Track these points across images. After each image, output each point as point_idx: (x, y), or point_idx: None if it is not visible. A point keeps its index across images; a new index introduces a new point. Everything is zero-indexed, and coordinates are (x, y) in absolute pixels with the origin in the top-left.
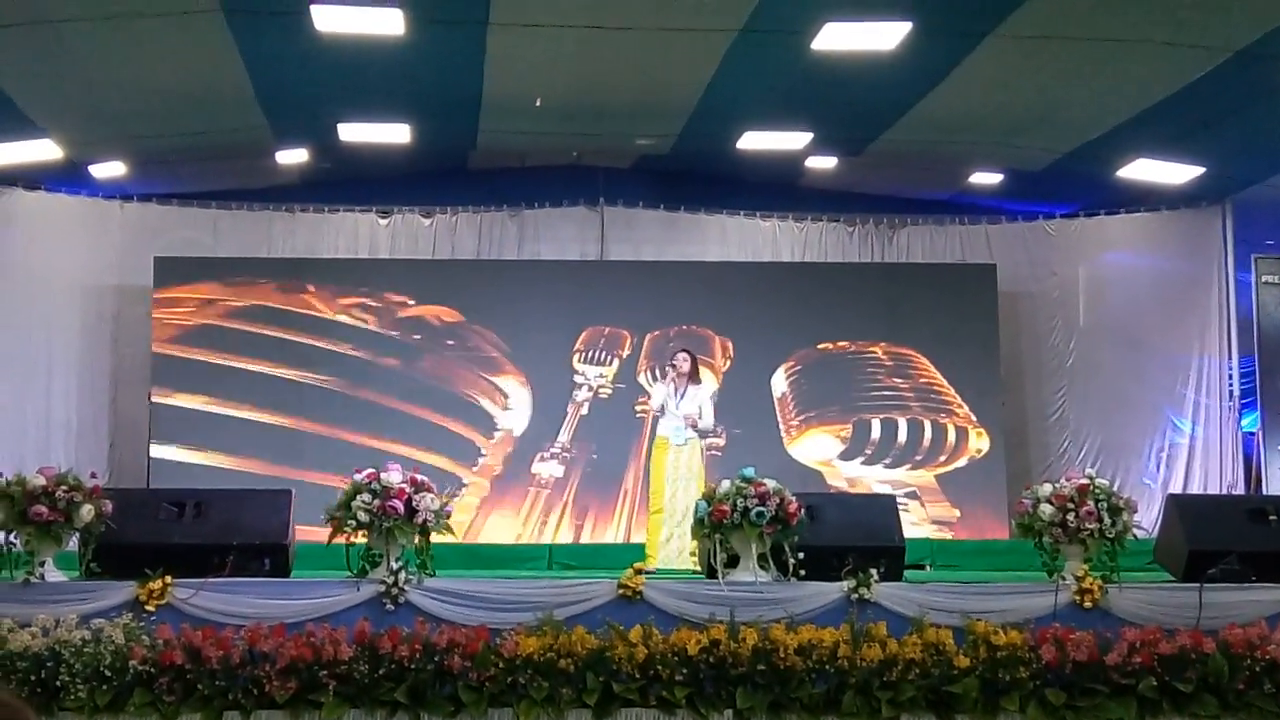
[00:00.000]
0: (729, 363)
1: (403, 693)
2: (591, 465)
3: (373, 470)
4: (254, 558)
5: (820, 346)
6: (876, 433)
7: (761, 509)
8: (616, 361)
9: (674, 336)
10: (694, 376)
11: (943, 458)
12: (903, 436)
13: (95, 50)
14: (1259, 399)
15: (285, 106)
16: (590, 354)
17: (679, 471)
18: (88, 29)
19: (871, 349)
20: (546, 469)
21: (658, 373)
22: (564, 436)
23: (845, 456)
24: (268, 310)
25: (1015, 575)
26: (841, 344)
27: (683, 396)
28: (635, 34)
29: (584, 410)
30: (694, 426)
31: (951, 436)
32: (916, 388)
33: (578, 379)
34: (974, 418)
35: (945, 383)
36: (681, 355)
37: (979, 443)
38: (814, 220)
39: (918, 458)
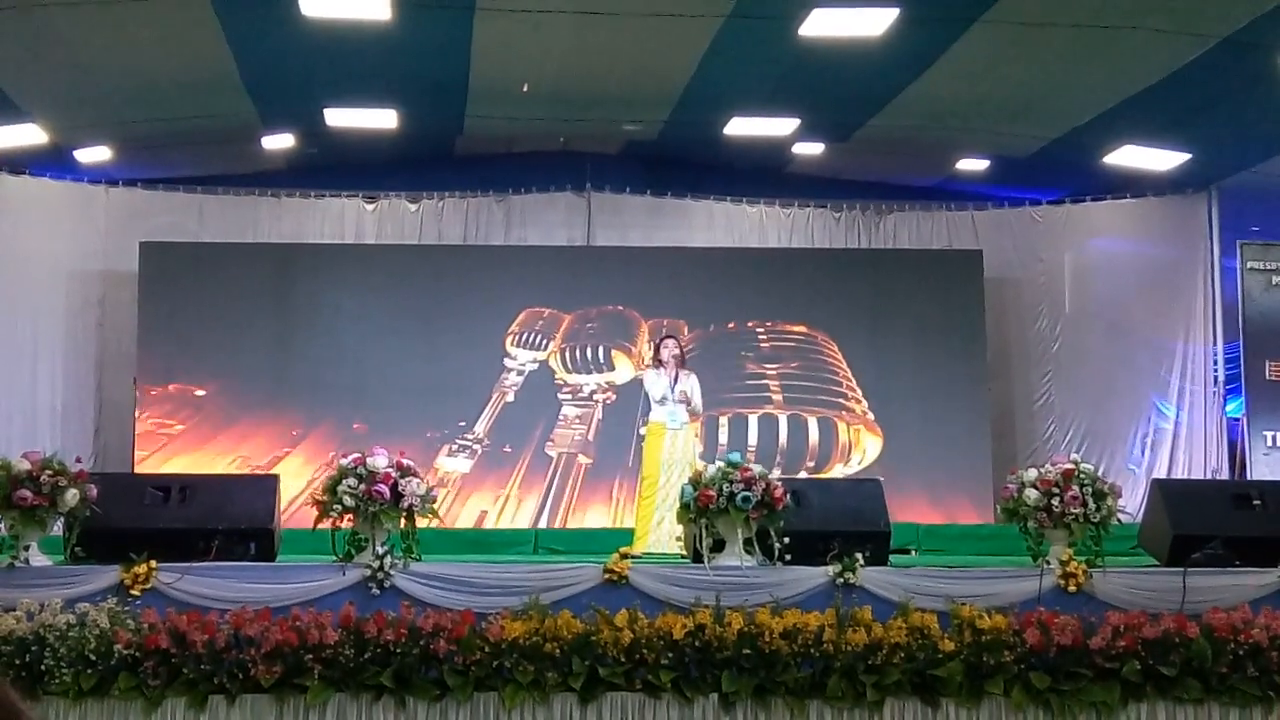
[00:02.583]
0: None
1: (388, 677)
2: (502, 457)
3: (358, 455)
4: (239, 542)
5: (712, 329)
6: (724, 434)
7: (747, 494)
8: (551, 345)
9: (595, 318)
10: (682, 361)
11: (811, 462)
12: (753, 437)
13: (80, 34)
14: (1243, 385)
15: (271, 91)
16: (525, 337)
17: (674, 456)
18: (73, 13)
19: (759, 330)
20: (451, 464)
21: (573, 357)
22: (480, 427)
23: (704, 458)
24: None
25: (1000, 560)
26: (731, 325)
27: (676, 381)
28: (622, 19)
29: (509, 397)
30: (687, 409)
31: (814, 436)
32: (789, 374)
33: (508, 362)
34: (871, 415)
35: (849, 373)
36: (670, 340)
37: (867, 442)
38: (800, 206)
39: (780, 460)
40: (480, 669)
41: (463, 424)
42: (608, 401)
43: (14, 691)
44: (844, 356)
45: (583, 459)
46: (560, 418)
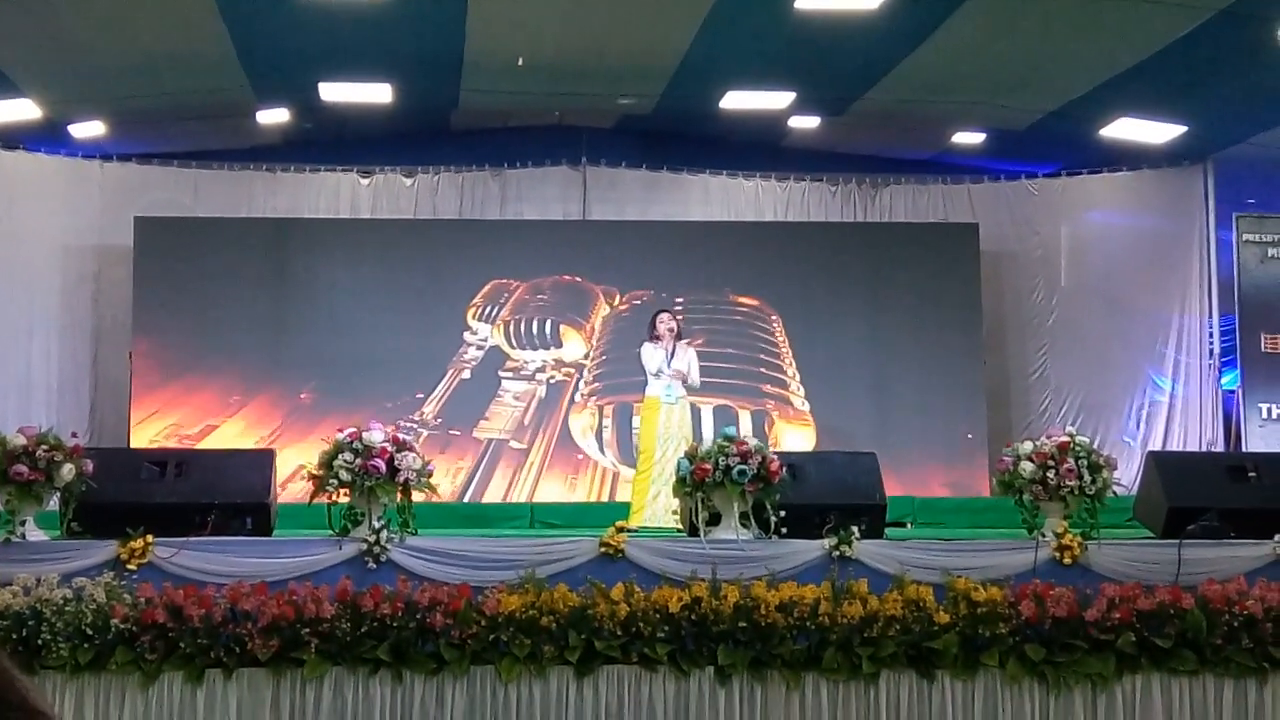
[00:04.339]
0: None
1: (385, 650)
2: (449, 439)
3: (354, 429)
4: (235, 516)
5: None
6: (609, 423)
7: (743, 467)
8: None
9: (546, 288)
10: (678, 335)
11: None
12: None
13: (75, 9)
14: (1239, 357)
15: (266, 65)
16: (488, 310)
17: (670, 430)
18: None
19: (677, 302)
20: None
21: (518, 331)
22: (429, 408)
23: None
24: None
25: (996, 532)
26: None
27: (673, 355)
28: None
29: (464, 374)
30: (683, 383)
31: (707, 428)
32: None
33: (468, 336)
34: (806, 406)
35: (790, 355)
36: (665, 314)
37: (787, 436)
38: (797, 180)
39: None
40: (477, 642)
41: (420, 396)
42: (551, 381)
43: (7, 660)
44: (789, 335)
45: (515, 444)
46: (499, 394)
